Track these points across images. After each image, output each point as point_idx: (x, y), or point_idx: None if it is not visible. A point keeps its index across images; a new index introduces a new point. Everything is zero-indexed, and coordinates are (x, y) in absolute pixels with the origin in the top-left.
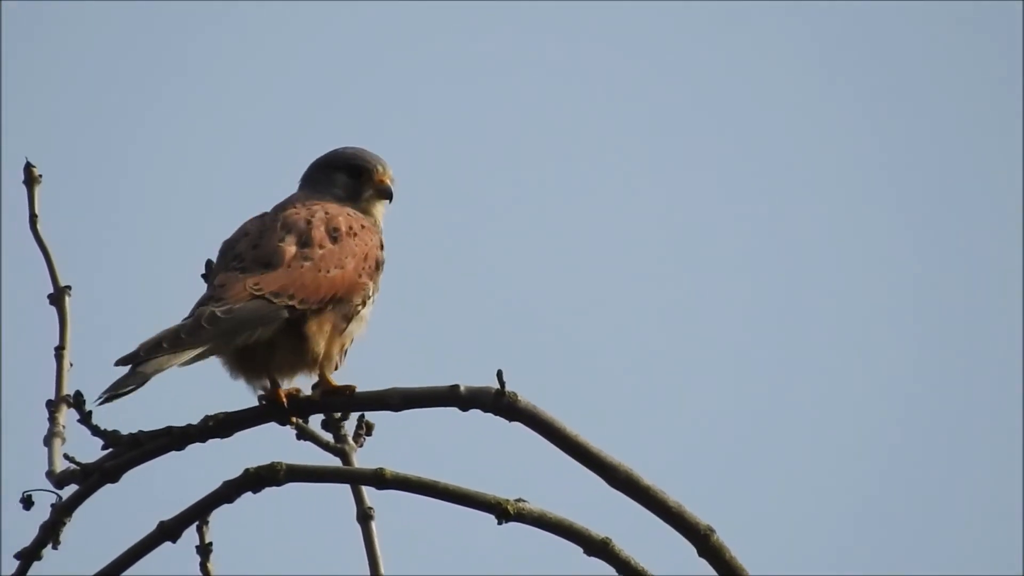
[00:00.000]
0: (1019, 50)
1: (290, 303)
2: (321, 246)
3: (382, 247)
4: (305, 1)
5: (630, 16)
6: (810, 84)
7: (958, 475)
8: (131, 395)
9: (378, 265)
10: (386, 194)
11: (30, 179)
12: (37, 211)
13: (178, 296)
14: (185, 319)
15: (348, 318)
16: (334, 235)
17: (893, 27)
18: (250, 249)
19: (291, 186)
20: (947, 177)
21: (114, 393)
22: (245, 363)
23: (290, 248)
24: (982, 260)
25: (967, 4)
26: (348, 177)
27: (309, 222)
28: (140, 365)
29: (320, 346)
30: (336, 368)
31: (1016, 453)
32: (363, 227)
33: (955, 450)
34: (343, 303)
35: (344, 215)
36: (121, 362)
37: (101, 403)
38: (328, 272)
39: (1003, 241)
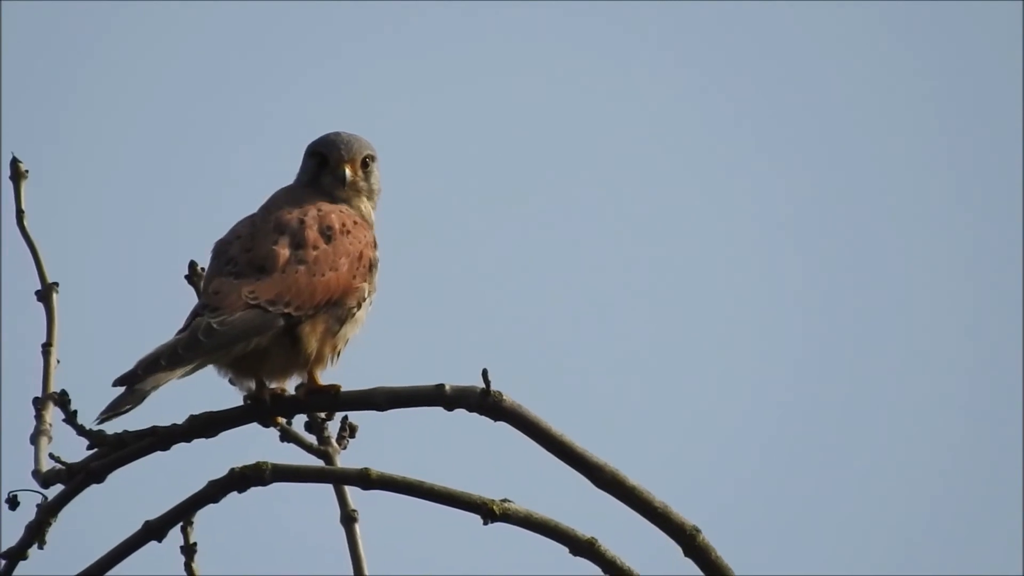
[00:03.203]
0: (1019, 50)
1: (286, 311)
2: (315, 247)
3: (375, 246)
4: (305, 1)
5: (630, 18)
6: (809, 84)
7: (958, 474)
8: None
9: (372, 265)
10: (339, 180)
11: (16, 175)
12: (24, 207)
13: (165, 293)
14: (180, 331)
15: (342, 320)
16: (327, 234)
17: (893, 27)
18: (243, 253)
19: (279, 183)
20: (947, 176)
21: (112, 413)
22: (236, 365)
23: (283, 251)
24: (982, 260)
25: (967, 4)
26: (313, 162)
27: (302, 222)
28: (137, 383)
29: (312, 348)
30: (325, 368)
31: (1016, 453)
32: (355, 223)
33: (955, 450)
34: (337, 306)
35: (336, 212)
36: (119, 382)
37: (100, 423)
38: (323, 275)
39: (1005, 241)
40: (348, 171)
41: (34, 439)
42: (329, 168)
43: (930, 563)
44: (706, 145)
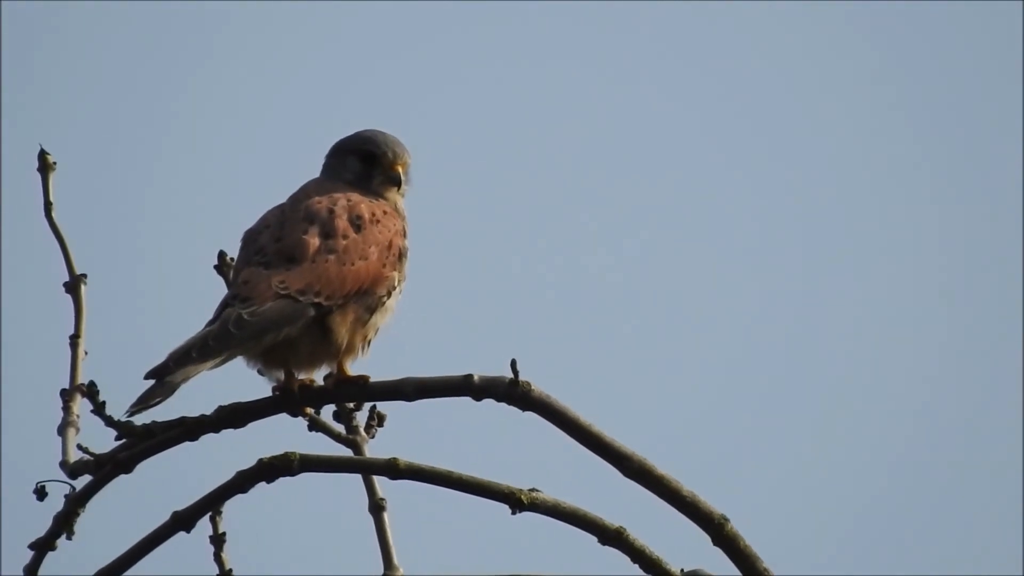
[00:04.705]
0: (1020, 50)
1: (316, 300)
2: (345, 236)
3: (405, 235)
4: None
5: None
6: (810, 84)
7: (960, 473)
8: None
9: (401, 254)
10: (394, 182)
11: (44, 166)
12: (52, 199)
13: (192, 284)
14: (210, 322)
15: (372, 309)
16: (357, 223)
17: (894, 27)
18: (272, 242)
19: (307, 175)
20: (948, 176)
21: (143, 406)
22: (265, 355)
23: (313, 240)
24: (984, 258)
25: (967, 4)
26: (360, 162)
27: (331, 211)
28: (168, 375)
29: (343, 338)
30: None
31: (1016, 453)
32: (385, 213)
33: (958, 448)
34: (367, 295)
35: (366, 202)
36: (151, 375)
37: (130, 416)
38: (353, 264)
39: (1006, 241)
40: (402, 172)
41: (61, 430)
42: (381, 168)
43: (930, 562)
44: (713, 143)
